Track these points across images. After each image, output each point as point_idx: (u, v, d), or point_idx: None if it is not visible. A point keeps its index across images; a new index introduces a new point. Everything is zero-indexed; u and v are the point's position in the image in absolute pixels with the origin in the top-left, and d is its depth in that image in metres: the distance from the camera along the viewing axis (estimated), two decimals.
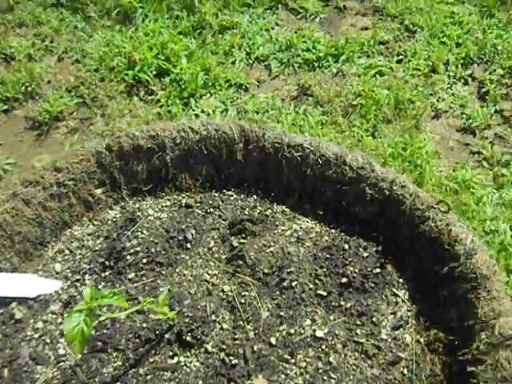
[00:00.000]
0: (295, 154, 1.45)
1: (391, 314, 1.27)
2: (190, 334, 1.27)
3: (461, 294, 1.19)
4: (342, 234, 1.46)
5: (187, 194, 1.61)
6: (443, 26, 3.19)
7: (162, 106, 2.89)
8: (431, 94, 2.93)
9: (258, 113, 2.85)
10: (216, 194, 1.61)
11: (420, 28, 3.21)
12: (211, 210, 1.57)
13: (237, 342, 1.27)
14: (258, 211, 1.53)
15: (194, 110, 2.85)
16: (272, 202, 1.57)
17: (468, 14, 3.27)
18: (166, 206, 1.58)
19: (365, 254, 1.37)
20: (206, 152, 1.53)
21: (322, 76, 3.03)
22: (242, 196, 1.59)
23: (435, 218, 1.26)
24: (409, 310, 1.29)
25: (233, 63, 3.12)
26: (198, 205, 1.57)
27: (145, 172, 1.55)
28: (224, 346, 1.26)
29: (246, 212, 1.53)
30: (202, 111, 2.85)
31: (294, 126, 2.72)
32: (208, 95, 2.97)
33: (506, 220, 2.30)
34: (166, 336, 1.28)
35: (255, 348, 1.25)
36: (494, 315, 1.08)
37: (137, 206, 1.58)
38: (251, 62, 3.16)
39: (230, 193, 1.62)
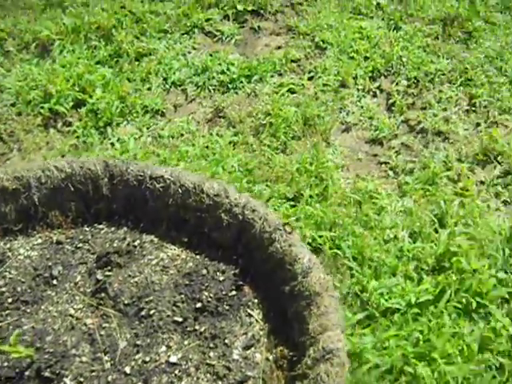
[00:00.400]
0: (157, 186, 1.51)
1: (243, 334, 1.33)
2: (49, 370, 1.31)
3: (299, 311, 1.26)
4: (206, 259, 1.52)
5: (59, 230, 1.66)
6: (352, 42, 3.30)
7: (78, 137, 2.92)
8: (341, 108, 3.02)
9: (173, 137, 2.90)
10: (87, 229, 1.66)
11: (330, 44, 3.32)
12: (81, 244, 1.61)
13: (94, 373, 1.31)
14: (126, 243, 1.59)
15: (110, 139, 2.90)
16: (141, 233, 1.62)
17: (376, 28, 3.39)
18: (37, 244, 1.63)
19: (221, 278, 1.43)
20: (73, 189, 1.58)
21: (235, 97, 3.11)
22: (112, 229, 1.65)
23: (280, 240, 1.33)
24: (261, 329, 1.35)
25: (149, 89, 3.18)
26: (69, 240, 1.62)
27: (13, 212, 1.59)
28: (82, 379, 1.30)
29: (115, 244, 1.58)
30: (118, 139, 2.90)
31: (206, 149, 2.78)
32: (125, 123, 3.01)
33: (405, 227, 2.39)
34: (26, 373, 1.32)
35: (109, 378, 1.30)
36: (321, 330, 1.14)
37: (8, 246, 1.62)
38: (168, 87, 3.22)
39: (101, 226, 1.67)
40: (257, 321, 1.36)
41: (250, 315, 1.37)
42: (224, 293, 1.38)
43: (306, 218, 2.38)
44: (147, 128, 2.97)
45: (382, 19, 3.48)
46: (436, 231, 2.39)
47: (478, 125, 2.89)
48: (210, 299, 1.37)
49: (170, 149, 2.78)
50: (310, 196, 2.49)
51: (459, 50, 3.27)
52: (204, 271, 1.44)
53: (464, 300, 2.10)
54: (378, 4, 3.57)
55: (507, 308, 2.10)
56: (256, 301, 1.40)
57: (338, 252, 2.25)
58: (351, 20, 3.45)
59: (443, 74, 3.13)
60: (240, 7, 3.58)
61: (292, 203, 2.48)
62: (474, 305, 2.07)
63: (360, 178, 2.63)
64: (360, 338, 2.02)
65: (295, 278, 1.27)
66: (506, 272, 2.24)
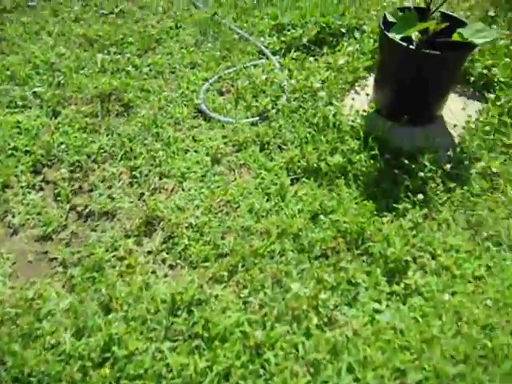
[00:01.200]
0: None
1: None
2: None
3: None
4: None
5: None
6: (9, 139, 3.23)
7: None
8: (6, 211, 2.93)
9: None
10: None
11: None
12: None
13: None
14: None
15: None
16: None
17: (34, 119, 3.37)
18: None
19: None
20: None
21: None
22: None
23: None
24: None
25: None
26: None
27: None
28: None
29: None
30: None
31: None
32: None
33: (70, 326, 2.36)
34: None
35: None
36: None
37: None
38: None
39: None
40: None
41: None
42: None
43: None
44: None
45: (41, 107, 3.47)
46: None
47: (142, 195, 3.01)
48: None
49: None
50: None
51: (118, 124, 3.40)
52: None
53: None
54: (35, 93, 3.56)
55: None
56: None
57: None
58: (8, 115, 3.38)
59: (105, 152, 3.22)
60: None
61: None
62: None
63: (22, 285, 2.56)
64: None
65: None
66: (169, 340, 2.34)
